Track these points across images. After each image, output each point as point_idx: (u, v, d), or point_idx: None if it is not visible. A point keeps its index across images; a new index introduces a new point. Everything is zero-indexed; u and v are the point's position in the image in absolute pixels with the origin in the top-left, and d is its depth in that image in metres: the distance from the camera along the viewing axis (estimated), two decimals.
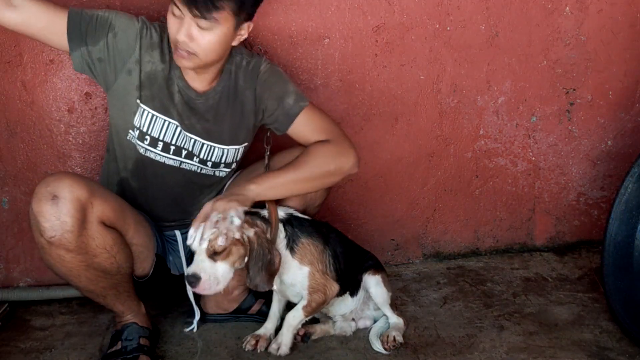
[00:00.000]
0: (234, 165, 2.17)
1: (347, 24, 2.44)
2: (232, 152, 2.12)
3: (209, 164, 2.11)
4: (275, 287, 2.01)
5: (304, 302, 2.04)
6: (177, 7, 1.83)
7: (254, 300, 2.28)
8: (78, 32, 1.90)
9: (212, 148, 2.08)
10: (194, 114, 2.03)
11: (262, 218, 1.95)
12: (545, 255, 2.79)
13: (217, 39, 1.87)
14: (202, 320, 2.21)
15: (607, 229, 2.25)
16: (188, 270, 1.86)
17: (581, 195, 2.81)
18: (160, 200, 2.12)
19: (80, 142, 2.38)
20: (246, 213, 1.90)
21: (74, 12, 1.91)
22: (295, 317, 2.06)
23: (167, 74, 1.99)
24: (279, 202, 2.03)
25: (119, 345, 2.00)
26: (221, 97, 2.05)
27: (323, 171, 2.00)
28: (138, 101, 1.98)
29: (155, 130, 2.01)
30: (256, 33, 2.36)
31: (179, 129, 2.03)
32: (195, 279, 1.84)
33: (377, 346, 2.10)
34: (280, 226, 1.97)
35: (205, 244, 1.83)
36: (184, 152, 2.06)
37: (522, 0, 2.54)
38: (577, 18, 2.59)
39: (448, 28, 2.52)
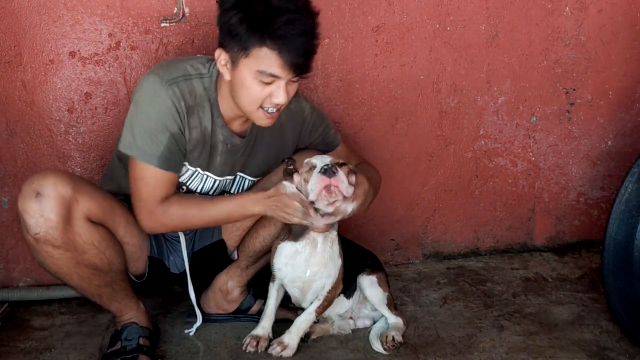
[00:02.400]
0: None
1: (347, 24, 2.44)
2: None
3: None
4: (307, 275, 2.02)
5: (317, 303, 2.05)
6: (273, 74, 1.79)
7: (254, 300, 2.28)
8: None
9: (243, 180, 2.11)
10: (234, 157, 2.02)
11: None
12: (545, 255, 2.79)
13: (296, 88, 1.92)
14: (202, 321, 2.21)
15: (607, 229, 2.24)
16: (325, 161, 1.88)
17: (581, 195, 2.81)
18: None
19: (80, 142, 2.39)
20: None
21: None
22: (308, 320, 2.06)
23: (211, 129, 1.94)
24: None
25: (118, 345, 2.00)
26: (259, 133, 2.04)
27: (379, 181, 2.20)
28: (186, 164, 1.96)
29: (194, 184, 2.02)
30: None
31: (217, 181, 2.04)
32: (335, 169, 1.84)
33: (377, 346, 2.10)
34: None
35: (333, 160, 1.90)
36: (216, 193, 2.08)
37: (522, 0, 2.54)
38: (577, 18, 2.59)
39: (448, 28, 2.52)
